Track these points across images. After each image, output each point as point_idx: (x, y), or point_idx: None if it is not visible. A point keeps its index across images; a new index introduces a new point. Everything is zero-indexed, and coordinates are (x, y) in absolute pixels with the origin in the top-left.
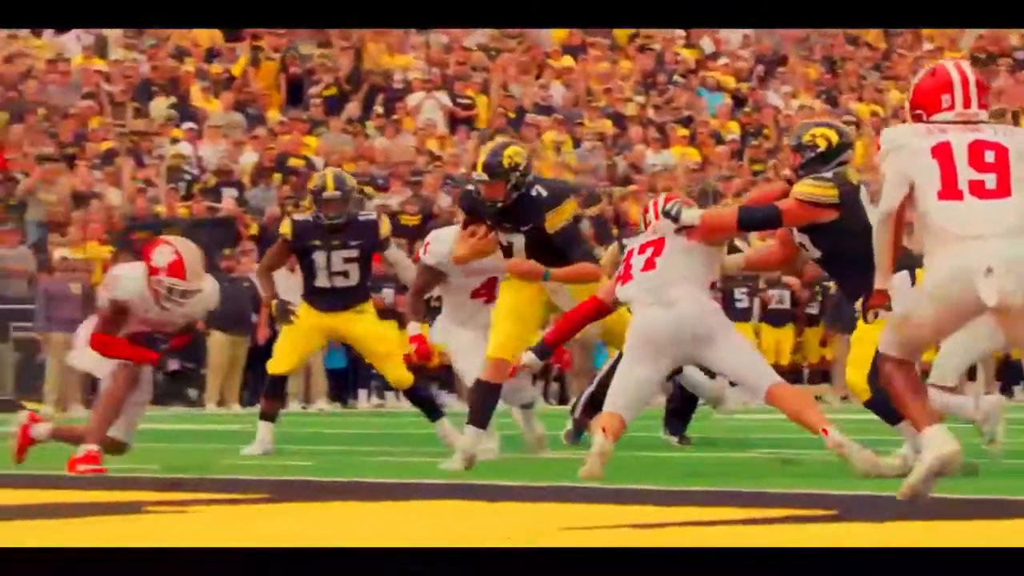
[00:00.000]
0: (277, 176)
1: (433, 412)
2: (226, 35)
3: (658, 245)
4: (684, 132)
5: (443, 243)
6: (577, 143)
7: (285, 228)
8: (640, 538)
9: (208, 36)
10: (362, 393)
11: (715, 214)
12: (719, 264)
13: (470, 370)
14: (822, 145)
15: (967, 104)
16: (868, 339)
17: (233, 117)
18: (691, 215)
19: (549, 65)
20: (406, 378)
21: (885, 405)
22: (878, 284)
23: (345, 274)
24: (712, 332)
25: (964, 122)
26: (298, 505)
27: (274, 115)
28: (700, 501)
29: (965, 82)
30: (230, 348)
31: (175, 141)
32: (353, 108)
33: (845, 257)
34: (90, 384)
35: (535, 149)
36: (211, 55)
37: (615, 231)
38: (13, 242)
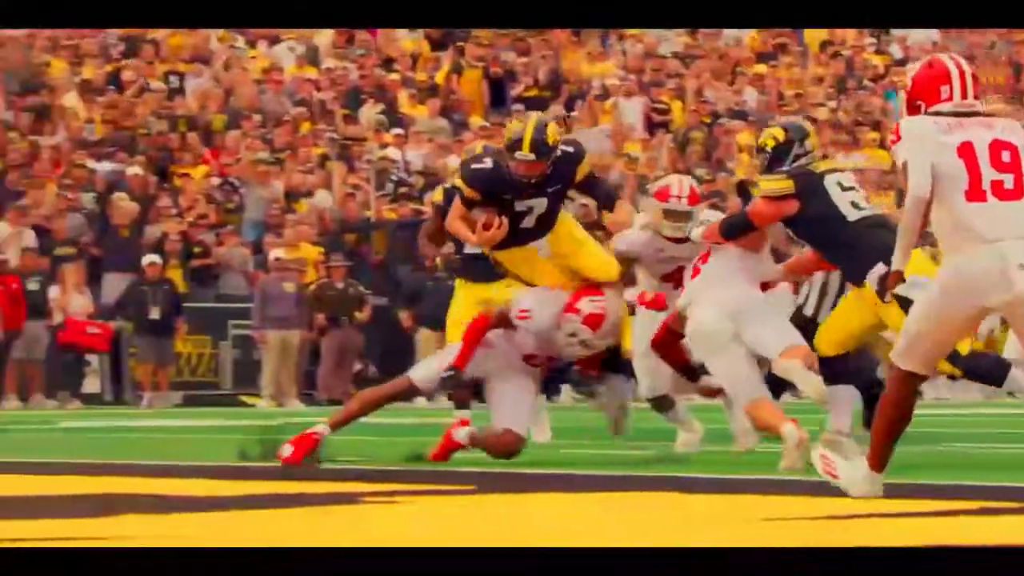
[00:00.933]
0: None
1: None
2: (432, 43)
3: (704, 255)
4: (874, 135)
5: (634, 230)
6: None
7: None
8: (839, 531)
9: (414, 44)
10: (564, 388)
11: (708, 228)
12: (761, 268)
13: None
14: (770, 144)
15: (964, 95)
16: (842, 311)
17: (438, 122)
18: (696, 232)
19: (742, 71)
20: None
21: (984, 369)
22: (896, 265)
23: None
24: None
25: (967, 114)
26: (504, 496)
27: (477, 120)
28: (894, 494)
29: (963, 74)
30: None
31: (383, 146)
32: (554, 112)
33: (827, 243)
34: (304, 380)
35: (729, 152)
36: (416, 62)
37: None
38: (232, 243)
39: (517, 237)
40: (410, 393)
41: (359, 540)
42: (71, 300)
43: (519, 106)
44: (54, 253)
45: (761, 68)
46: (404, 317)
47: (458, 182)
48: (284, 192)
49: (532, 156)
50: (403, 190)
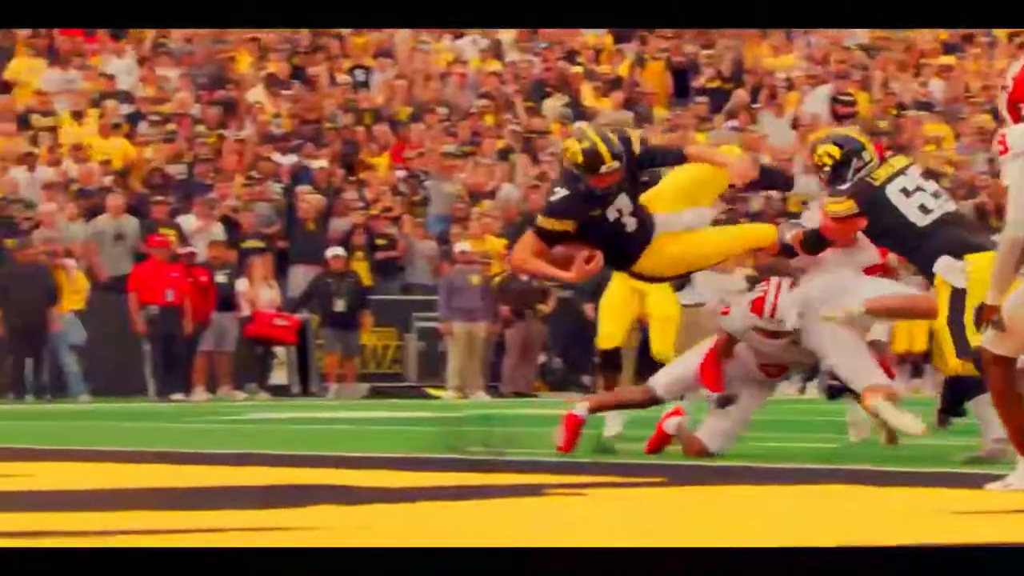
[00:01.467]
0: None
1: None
2: (615, 36)
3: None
4: None
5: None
6: (958, 137)
7: None
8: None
9: (597, 37)
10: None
11: (794, 237)
12: (859, 257)
13: None
14: (828, 163)
15: None
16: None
17: (622, 115)
18: (787, 235)
19: (927, 63)
20: (668, 354)
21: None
22: (991, 300)
23: None
24: None
25: None
26: (693, 489)
27: (661, 112)
28: None
29: None
30: None
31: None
32: (738, 103)
33: (900, 247)
34: (489, 372)
35: (915, 143)
36: (599, 56)
37: (994, 222)
38: (420, 235)
39: (630, 243)
40: (652, 403)
41: (543, 532)
42: (259, 293)
43: (702, 98)
44: (242, 246)
45: (948, 59)
46: (588, 309)
47: (544, 223)
48: (468, 185)
49: (617, 164)
50: None
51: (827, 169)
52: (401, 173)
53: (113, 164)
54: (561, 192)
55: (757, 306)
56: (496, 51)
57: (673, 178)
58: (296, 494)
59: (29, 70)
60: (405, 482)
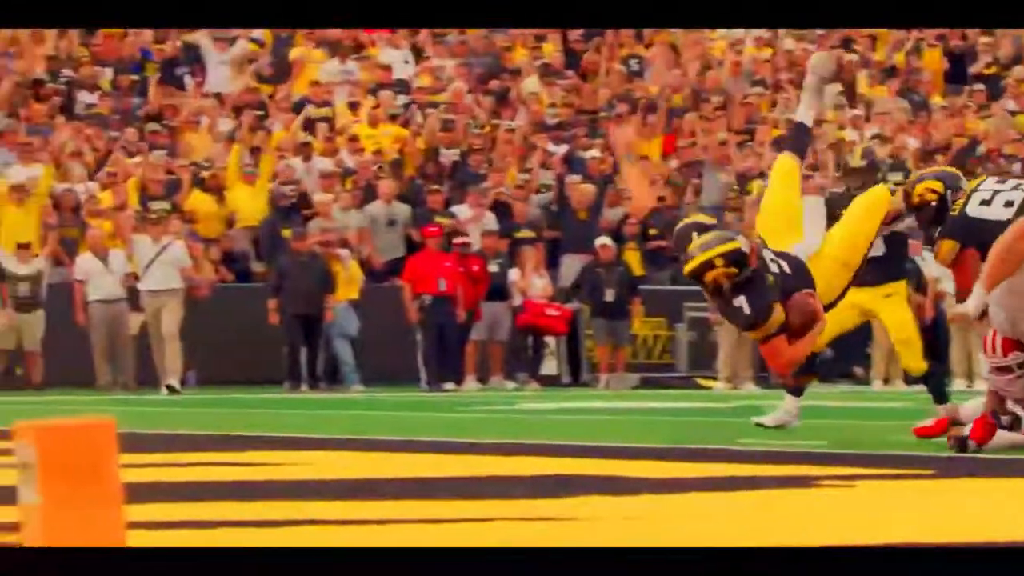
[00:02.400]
0: (940, 158)
1: (942, 397)
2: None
3: None
4: None
5: None
6: None
7: None
8: None
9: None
10: None
11: (954, 315)
12: None
13: None
14: (932, 199)
15: None
16: None
17: (897, 102)
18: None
19: None
20: (921, 367)
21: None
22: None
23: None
24: None
25: None
26: (963, 481)
27: (937, 100)
28: None
29: None
30: None
31: (841, 127)
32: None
33: None
34: (759, 363)
35: None
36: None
37: None
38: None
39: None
40: None
41: (812, 524)
42: (531, 282)
43: (979, 85)
44: (514, 235)
45: None
46: None
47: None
48: (737, 174)
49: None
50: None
51: (932, 206)
52: (674, 163)
53: (385, 154)
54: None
55: (984, 347)
56: (770, 39)
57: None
58: (564, 484)
59: (307, 60)
60: (674, 472)
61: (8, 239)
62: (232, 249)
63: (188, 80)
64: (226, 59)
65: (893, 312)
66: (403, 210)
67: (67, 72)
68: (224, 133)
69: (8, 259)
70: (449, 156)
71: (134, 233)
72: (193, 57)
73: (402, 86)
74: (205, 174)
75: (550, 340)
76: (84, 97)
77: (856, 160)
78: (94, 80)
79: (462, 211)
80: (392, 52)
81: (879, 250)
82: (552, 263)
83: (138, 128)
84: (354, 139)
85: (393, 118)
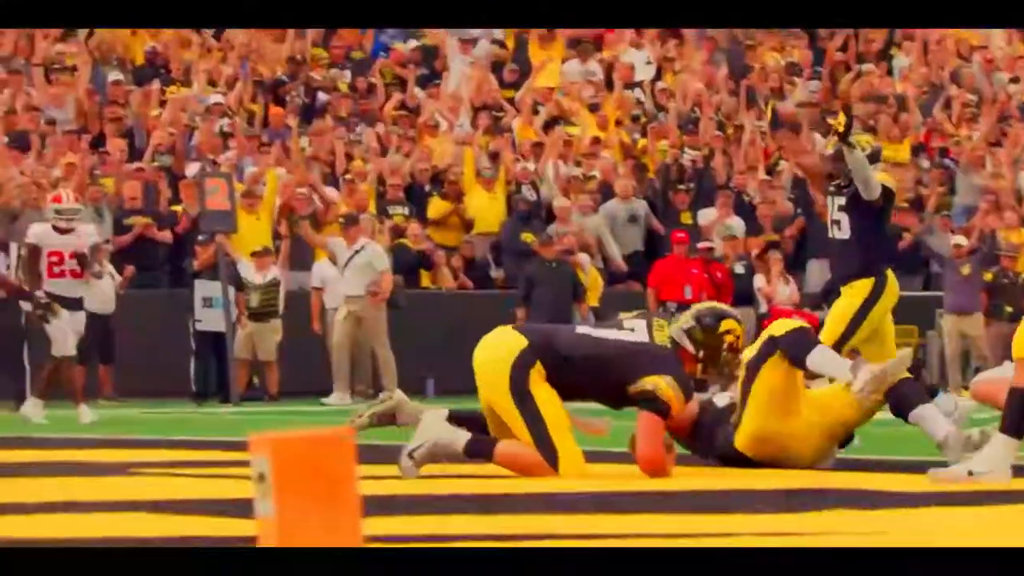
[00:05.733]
0: None
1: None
2: None
3: None
4: None
5: None
6: None
7: None
8: None
9: None
10: None
11: None
12: None
13: None
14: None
15: None
16: None
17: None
18: None
19: None
20: None
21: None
22: None
23: None
24: None
25: None
26: None
27: None
28: None
29: None
30: None
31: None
32: None
33: None
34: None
35: None
36: None
37: None
38: (945, 227)
39: None
40: None
41: None
42: (776, 288)
43: None
44: (761, 241)
45: None
46: None
47: None
48: (991, 173)
49: None
50: None
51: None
52: (925, 163)
53: (626, 156)
54: None
55: None
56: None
57: None
58: (814, 498)
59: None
60: (920, 487)
61: (244, 247)
62: (472, 256)
63: (426, 82)
64: (469, 60)
65: (840, 301)
66: (641, 205)
67: (306, 74)
68: (463, 136)
69: (245, 268)
70: (692, 157)
71: (329, 236)
72: (431, 58)
73: (643, 87)
74: (444, 178)
75: None
76: (322, 99)
77: (830, 148)
78: (332, 82)
79: (706, 215)
80: (635, 52)
81: (845, 232)
82: (798, 268)
83: (376, 131)
84: (595, 141)
85: (635, 119)
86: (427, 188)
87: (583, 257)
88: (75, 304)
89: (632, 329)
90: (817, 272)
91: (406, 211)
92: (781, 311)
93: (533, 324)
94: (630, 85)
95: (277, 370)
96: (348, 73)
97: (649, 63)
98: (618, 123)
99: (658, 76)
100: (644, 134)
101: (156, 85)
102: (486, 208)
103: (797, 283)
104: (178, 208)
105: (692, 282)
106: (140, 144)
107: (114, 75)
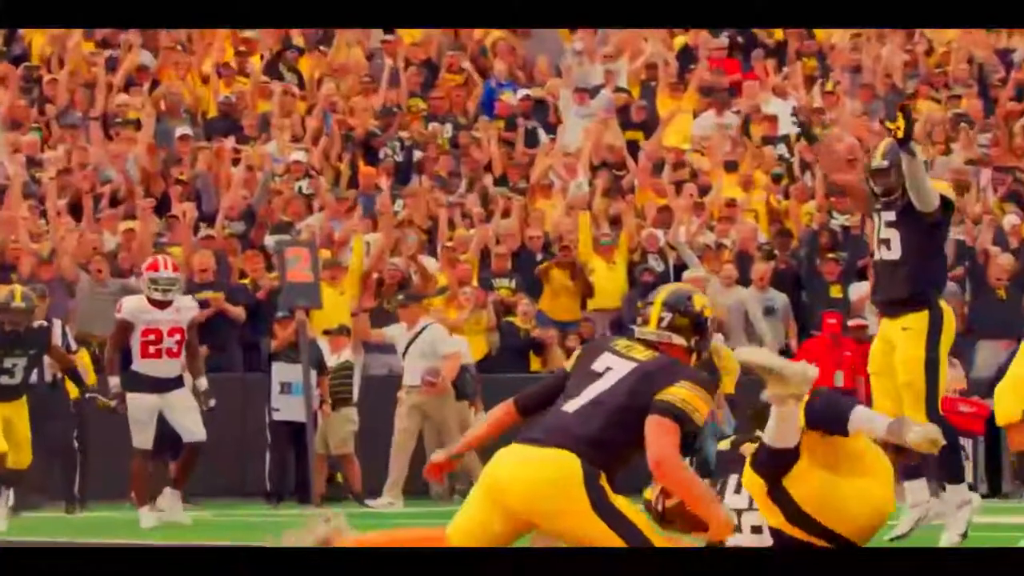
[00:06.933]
0: None
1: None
2: None
3: None
4: None
5: None
6: None
7: None
8: None
9: None
10: None
11: None
12: None
13: None
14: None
15: None
16: None
17: None
18: None
19: None
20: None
21: None
22: None
23: None
24: None
25: None
26: None
27: None
28: None
29: None
30: None
31: None
32: None
33: None
34: None
35: None
36: None
37: None
38: None
39: None
40: None
41: None
42: None
43: None
44: None
45: None
46: None
47: None
48: None
49: None
50: None
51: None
52: None
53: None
54: None
55: None
56: None
57: None
58: None
59: None
60: None
61: (321, 323)
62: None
63: (541, 136)
64: (586, 112)
65: (904, 350)
66: (781, 299)
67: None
68: (578, 197)
69: (322, 348)
70: (842, 222)
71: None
72: (544, 111)
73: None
74: (556, 247)
75: (964, 442)
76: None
77: (878, 160)
78: (431, 137)
79: (859, 288)
80: (777, 102)
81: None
82: (967, 348)
83: (480, 192)
84: (731, 204)
85: (776, 179)
86: (538, 257)
87: (718, 338)
88: (174, 384)
89: (608, 367)
90: (987, 354)
91: (513, 284)
92: (947, 400)
93: (533, 425)
94: (771, 140)
95: (357, 464)
96: (449, 127)
97: (794, 116)
98: (757, 185)
99: (804, 130)
100: (787, 196)
101: (230, 142)
102: (605, 280)
103: (964, 366)
104: (245, 281)
105: (844, 366)
106: (208, 208)
107: (181, 129)
